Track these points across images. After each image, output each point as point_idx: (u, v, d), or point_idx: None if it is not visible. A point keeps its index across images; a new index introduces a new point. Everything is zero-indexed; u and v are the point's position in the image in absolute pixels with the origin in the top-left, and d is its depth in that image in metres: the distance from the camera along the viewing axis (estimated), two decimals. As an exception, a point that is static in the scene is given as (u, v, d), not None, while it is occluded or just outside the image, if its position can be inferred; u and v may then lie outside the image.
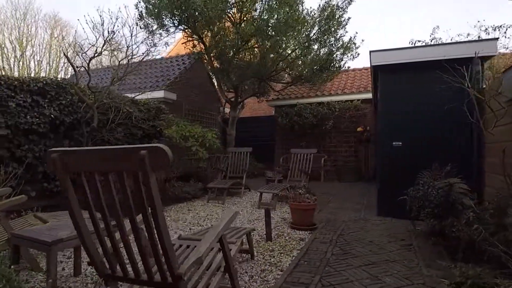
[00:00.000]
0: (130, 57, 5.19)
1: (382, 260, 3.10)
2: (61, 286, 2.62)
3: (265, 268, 2.95)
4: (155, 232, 1.58)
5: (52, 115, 5.37)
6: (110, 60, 5.17)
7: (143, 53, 5.55)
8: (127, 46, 5.04)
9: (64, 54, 4.78)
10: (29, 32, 16.05)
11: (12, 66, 15.50)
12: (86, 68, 4.80)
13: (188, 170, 7.73)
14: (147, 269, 1.72)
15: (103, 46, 4.73)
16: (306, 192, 6.70)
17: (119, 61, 5.26)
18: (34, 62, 16.39)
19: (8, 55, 15.54)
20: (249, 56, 8.40)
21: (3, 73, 15.25)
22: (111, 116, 5.61)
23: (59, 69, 17.55)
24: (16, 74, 15.37)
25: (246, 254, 3.16)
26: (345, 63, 8.29)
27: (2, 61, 15.18)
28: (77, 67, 5.24)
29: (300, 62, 8.30)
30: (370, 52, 4.94)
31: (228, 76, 8.22)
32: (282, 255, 3.30)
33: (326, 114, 10.15)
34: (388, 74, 4.91)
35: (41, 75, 15.45)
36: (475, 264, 2.68)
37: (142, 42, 5.84)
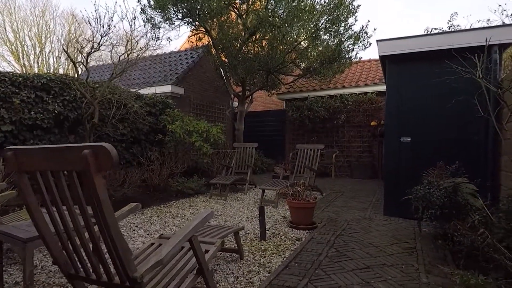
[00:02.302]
0: (130, 51, 5.14)
1: (379, 264, 2.90)
2: (47, 282, 2.62)
3: (253, 269, 2.83)
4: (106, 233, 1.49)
5: (56, 111, 5.45)
6: (111, 56, 5.14)
7: (141, 48, 5.48)
8: (127, 40, 5.00)
9: (64, 50, 4.81)
10: (48, 29, 16.55)
11: (32, 63, 16.07)
12: (84, 63, 4.81)
13: (193, 166, 7.71)
14: (106, 271, 1.65)
15: (100, 40, 4.71)
16: (310, 189, 6.53)
17: (120, 56, 5.23)
18: (53, 58, 16.93)
19: (28, 52, 16.13)
20: (256, 48, 8.19)
21: (24, 71, 15.85)
22: (113, 111, 5.62)
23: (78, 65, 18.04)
24: (36, 70, 15.92)
25: (236, 254, 3.05)
26: (356, 53, 7.92)
27: (23, 58, 15.77)
28: (81, 63, 5.27)
29: (308, 54, 8.01)
30: (377, 41, 4.64)
31: (234, 69, 8.07)
32: (274, 255, 3.16)
33: (339, 107, 9.82)
34: (396, 65, 4.60)
35: (59, 71, 15.94)
36: (480, 271, 2.44)
37: (142, 36, 5.76)
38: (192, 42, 9.94)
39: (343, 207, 5.30)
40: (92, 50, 4.79)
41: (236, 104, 10.50)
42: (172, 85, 9.11)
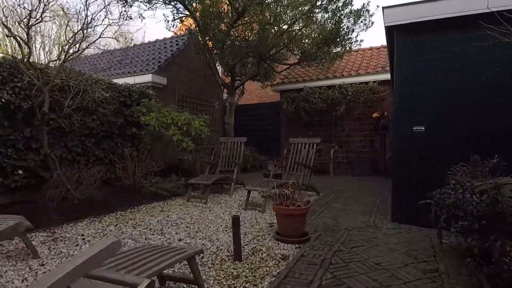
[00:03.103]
0: (86, 26, 4.26)
1: (392, 301, 2.06)
2: None
3: (214, 310, 1.99)
4: None
5: (3, 99, 4.60)
6: (65, 33, 4.26)
7: (105, 25, 4.59)
8: (84, 15, 4.13)
9: (3, 24, 3.92)
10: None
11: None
12: (25, 39, 3.93)
13: (174, 163, 6.86)
14: None
15: (43, 10, 3.82)
16: (305, 189, 5.67)
17: (74, 34, 4.35)
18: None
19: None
20: (246, 32, 7.32)
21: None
22: (68, 100, 4.75)
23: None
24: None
25: (193, 285, 2.21)
26: (357, 35, 7.05)
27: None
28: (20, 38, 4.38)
29: (303, 37, 7.13)
30: (383, 8, 3.76)
31: (222, 54, 7.20)
32: (248, 285, 2.32)
33: (337, 98, 8.95)
34: (408, 36, 3.72)
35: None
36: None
37: (102, 10, 4.86)
38: (176, 32, 9.03)
39: (343, 211, 4.45)
40: (35, 22, 3.90)
41: (226, 96, 9.63)
42: (153, 74, 8.23)
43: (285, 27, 6.88)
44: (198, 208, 4.73)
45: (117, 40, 7.59)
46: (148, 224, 3.90)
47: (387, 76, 8.61)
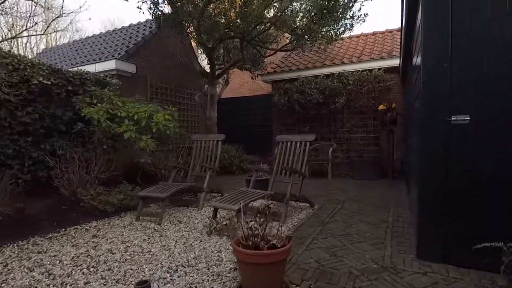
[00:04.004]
0: None
1: None
2: None
3: None
4: None
5: None
6: None
7: None
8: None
9: None
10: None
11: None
12: None
13: (133, 168, 5.57)
14: None
15: None
16: (296, 200, 4.42)
17: None
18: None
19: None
20: (227, 6, 6.02)
21: None
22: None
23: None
24: None
25: None
26: (360, 7, 5.75)
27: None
28: None
29: (294, 12, 5.84)
30: None
31: (198, 33, 5.91)
32: None
33: (336, 88, 7.68)
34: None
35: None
36: None
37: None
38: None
39: (344, 237, 3.18)
40: None
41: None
42: (118, 60, 6.93)
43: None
44: (145, 232, 3.46)
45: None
46: (57, 262, 2.63)
47: (395, 62, 7.34)
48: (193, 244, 3.05)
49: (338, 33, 6.56)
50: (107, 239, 3.23)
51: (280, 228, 2.14)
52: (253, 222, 2.03)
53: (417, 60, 3.74)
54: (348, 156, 7.93)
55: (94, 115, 4.39)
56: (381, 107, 6.99)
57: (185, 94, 8.93)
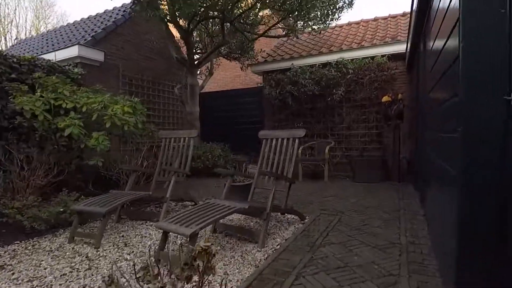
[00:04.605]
0: None
1: None
2: None
3: None
4: None
5: None
6: None
7: None
8: None
9: None
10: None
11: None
12: None
13: (93, 172, 4.64)
14: None
15: None
16: (282, 213, 3.54)
17: None
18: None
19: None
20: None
21: None
22: None
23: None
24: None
25: None
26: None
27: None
28: None
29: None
30: None
31: (171, 11, 5.00)
32: None
33: (334, 78, 6.76)
34: None
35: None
36: None
37: None
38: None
39: (341, 273, 2.27)
40: None
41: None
42: (82, 47, 6.01)
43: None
44: (72, 261, 2.55)
45: None
46: None
47: (400, 48, 6.43)
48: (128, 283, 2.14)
49: (334, 13, 5.63)
50: (13, 273, 2.33)
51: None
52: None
53: (434, 44, 2.86)
54: (348, 155, 7.02)
55: (26, 106, 3.48)
56: (385, 98, 6.07)
57: (165, 87, 8.02)
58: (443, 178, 2.26)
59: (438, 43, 2.59)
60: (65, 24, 9.85)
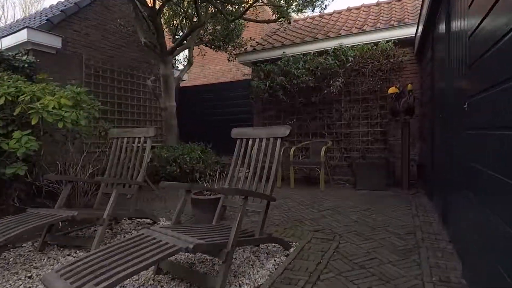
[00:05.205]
0: None
1: None
2: None
3: None
4: None
5: None
6: None
7: None
8: None
9: None
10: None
11: None
12: None
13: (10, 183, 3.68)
14: None
15: None
16: (257, 244, 2.61)
17: None
18: None
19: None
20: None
21: None
22: None
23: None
24: None
25: None
26: None
27: None
28: None
29: None
30: None
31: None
32: None
33: (331, 67, 5.81)
34: None
35: None
36: None
37: None
38: None
39: None
40: None
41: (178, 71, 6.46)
42: (32, 30, 5.06)
43: None
44: None
45: None
46: None
47: (408, 32, 5.49)
48: None
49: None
50: None
51: None
52: None
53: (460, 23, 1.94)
54: (347, 156, 6.09)
55: None
56: (391, 90, 5.13)
57: (140, 80, 7.08)
58: (494, 194, 1.35)
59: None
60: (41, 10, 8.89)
